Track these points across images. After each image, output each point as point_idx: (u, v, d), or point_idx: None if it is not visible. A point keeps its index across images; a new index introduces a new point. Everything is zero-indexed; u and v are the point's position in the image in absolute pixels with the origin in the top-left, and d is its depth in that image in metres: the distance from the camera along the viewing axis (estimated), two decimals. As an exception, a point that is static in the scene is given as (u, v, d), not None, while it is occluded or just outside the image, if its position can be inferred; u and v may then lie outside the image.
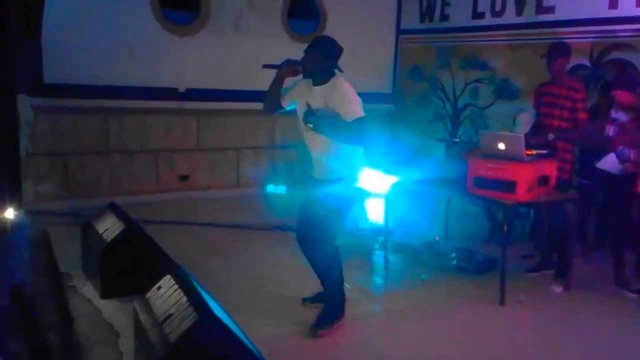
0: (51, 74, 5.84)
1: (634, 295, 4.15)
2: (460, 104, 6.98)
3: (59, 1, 5.67)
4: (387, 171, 4.99)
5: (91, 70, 5.98)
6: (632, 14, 5.11)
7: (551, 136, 4.31)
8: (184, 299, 2.61)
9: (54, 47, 5.79)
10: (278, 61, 3.40)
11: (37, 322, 3.43)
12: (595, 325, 3.71)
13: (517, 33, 6.19)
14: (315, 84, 3.36)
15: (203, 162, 6.84)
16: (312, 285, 3.68)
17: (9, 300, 3.50)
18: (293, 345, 3.26)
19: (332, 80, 3.33)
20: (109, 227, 3.84)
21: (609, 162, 4.32)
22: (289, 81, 3.51)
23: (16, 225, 3.53)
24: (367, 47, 7.55)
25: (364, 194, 3.56)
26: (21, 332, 3.16)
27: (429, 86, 7.42)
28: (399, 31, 7.84)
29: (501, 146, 4.00)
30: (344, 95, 3.29)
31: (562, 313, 3.90)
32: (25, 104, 5.76)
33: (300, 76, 3.42)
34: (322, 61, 3.32)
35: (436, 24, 7.23)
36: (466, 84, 6.86)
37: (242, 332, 2.61)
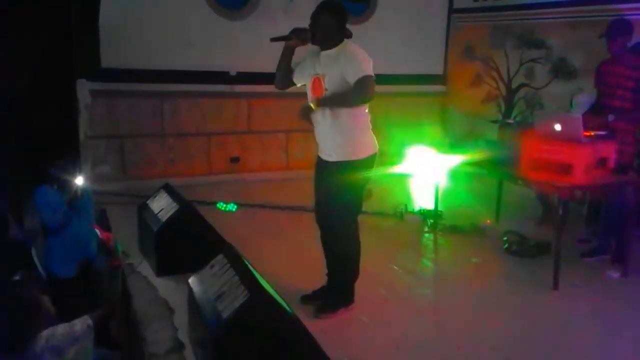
0: (108, 58, 6.01)
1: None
2: (514, 85, 6.79)
3: (115, -12, 5.82)
4: (438, 153, 4.94)
5: (146, 55, 6.12)
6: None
7: (611, 117, 4.15)
8: (236, 277, 2.68)
9: (110, 32, 5.95)
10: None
11: (100, 297, 3.59)
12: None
13: (575, 10, 5.95)
14: (322, 49, 3.26)
15: (254, 145, 6.93)
16: (362, 266, 3.68)
17: (77, 271, 3.65)
18: (341, 325, 3.29)
19: (341, 45, 3.22)
20: (164, 207, 3.95)
21: None
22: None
23: (85, 196, 3.67)
24: (418, 28, 7.42)
25: (370, 172, 3.41)
26: (84, 305, 3.31)
27: (481, 66, 7.24)
28: (451, 10, 7.67)
29: (557, 127, 3.88)
30: (352, 55, 3.18)
31: (619, 299, 3.78)
32: (83, 89, 5.96)
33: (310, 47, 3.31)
34: (329, 25, 3.19)
35: (491, 2, 7.03)
36: (521, 64, 6.65)
37: (292, 311, 2.66)
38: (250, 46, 6.56)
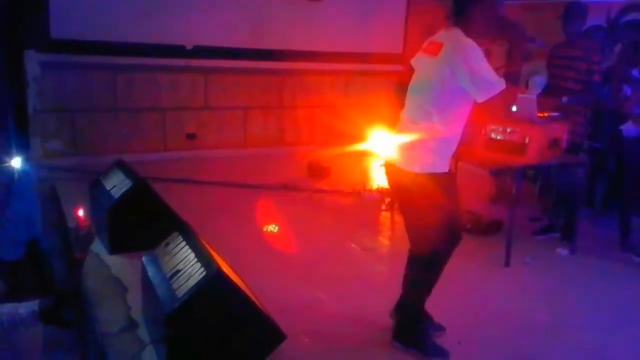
0: (58, 29, 5.75)
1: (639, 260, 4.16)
2: (471, 65, 6.85)
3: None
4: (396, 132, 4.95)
5: (98, 26, 5.89)
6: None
7: (565, 99, 4.25)
8: (192, 255, 2.63)
9: (61, 1, 5.70)
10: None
11: (49, 277, 3.48)
12: (599, 288, 3.73)
13: (533, -8, 6.03)
14: None
15: (211, 121, 6.80)
16: (320, 244, 3.68)
17: (24, 253, 3.52)
18: (300, 303, 3.30)
19: None
20: (117, 184, 3.84)
21: (630, 125, 4.26)
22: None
23: (25, 176, 3.53)
24: (377, 5, 7.39)
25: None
26: (34, 286, 3.20)
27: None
28: (411, -13, 7.65)
29: (513, 108, 3.94)
30: None
31: (566, 276, 3.91)
32: (32, 60, 5.71)
33: None
34: None
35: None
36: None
37: (249, 289, 2.64)
38: (209, 19, 6.42)
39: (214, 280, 2.44)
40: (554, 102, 4.26)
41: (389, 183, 3.00)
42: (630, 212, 4.38)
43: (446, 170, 2.78)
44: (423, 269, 2.92)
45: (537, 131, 3.83)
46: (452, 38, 2.65)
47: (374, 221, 4.89)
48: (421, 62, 2.79)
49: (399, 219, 4.85)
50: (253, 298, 2.56)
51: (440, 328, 3.10)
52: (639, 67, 4.38)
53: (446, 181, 2.78)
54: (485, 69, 2.57)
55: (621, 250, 4.33)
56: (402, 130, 2.83)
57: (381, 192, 5.29)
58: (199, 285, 2.43)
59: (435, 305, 3.37)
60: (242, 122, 7.01)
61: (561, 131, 4.02)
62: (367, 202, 5.19)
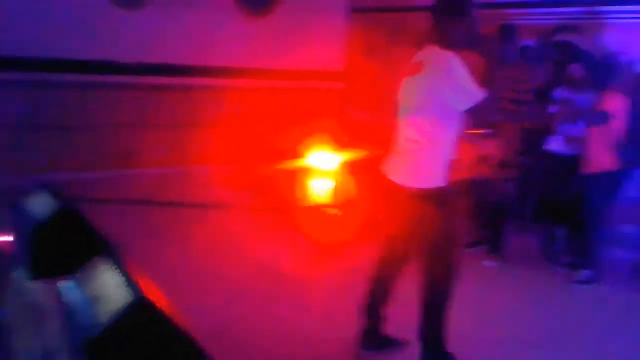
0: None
1: (563, 269, 4.33)
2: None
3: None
4: (334, 149, 4.98)
5: (32, 42, 5.67)
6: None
7: (497, 117, 4.37)
8: (116, 280, 2.52)
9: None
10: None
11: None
12: (524, 299, 3.87)
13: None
14: None
15: (147, 139, 6.64)
16: (254, 264, 3.61)
17: None
18: (230, 328, 3.22)
19: None
20: (40, 207, 3.67)
21: (557, 143, 4.42)
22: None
23: None
24: (318, 23, 7.44)
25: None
26: None
27: (381, 66, 7.37)
28: (351, 8, 7.76)
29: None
30: None
31: (493, 287, 4.03)
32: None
33: None
34: None
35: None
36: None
37: (178, 314, 2.55)
38: (148, 37, 6.30)
39: (138, 307, 2.34)
40: (486, 120, 4.37)
41: (387, 202, 2.98)
42: (555, 223, 4.54)
43: (446, 184, 2.84)
44: (439, 289, 2.95)
45: (466, 148, 3.93)
46: (431, 54, 2.76)
47: (308, 239, 4.86)
48: (408, 85, 2.86)
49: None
50: (181, 324, 2.47)
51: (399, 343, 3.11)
52: (564, 87, 4.55)
53: (447, 195, 2.85)
54: (466, 78, 2.65)
55: (545, 260, 4.50)
56: (401, 148, 2.89)
57: (318, 209, 5.29)
58: (122, 311, 2.32)
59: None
60: (179, 139, 6.87)
61: (492, 148, 4.14)
62: (302, 219, 5.16)
